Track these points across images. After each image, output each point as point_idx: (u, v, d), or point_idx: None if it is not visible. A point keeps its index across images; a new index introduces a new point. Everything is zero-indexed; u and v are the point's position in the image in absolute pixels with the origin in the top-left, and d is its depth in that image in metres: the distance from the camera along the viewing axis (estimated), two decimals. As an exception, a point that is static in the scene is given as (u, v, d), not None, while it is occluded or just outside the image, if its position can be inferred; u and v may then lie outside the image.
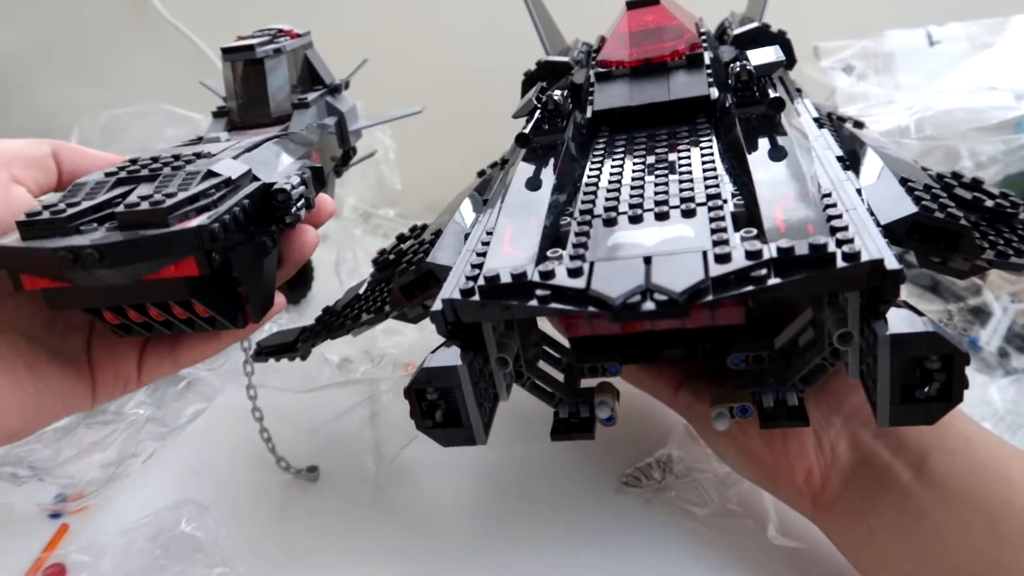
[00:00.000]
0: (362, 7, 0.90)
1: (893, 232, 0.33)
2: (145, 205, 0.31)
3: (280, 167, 0.40)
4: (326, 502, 0.50)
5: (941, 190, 0.36)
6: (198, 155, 0.37)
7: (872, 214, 0.33)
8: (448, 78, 0.89)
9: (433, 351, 0.32)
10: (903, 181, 0.36)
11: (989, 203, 0.38)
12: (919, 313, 0.28)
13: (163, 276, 0.32)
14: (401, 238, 0.49)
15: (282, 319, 0.69)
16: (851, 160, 0.40)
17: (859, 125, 0.49)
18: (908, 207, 0.33)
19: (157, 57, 0.93)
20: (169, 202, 0.31)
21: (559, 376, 0.39)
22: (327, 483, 0.52)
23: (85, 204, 0.32)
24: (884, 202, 0.34)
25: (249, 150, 0.39)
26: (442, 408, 0.32)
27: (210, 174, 0.34)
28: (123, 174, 0.35)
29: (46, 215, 0.31)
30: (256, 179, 0.36)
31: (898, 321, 0.27)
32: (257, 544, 0.47)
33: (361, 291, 0.49)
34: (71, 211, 0.31)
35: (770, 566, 0.41)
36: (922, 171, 0.40)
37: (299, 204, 0.37)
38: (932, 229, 0.34)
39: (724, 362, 0.36)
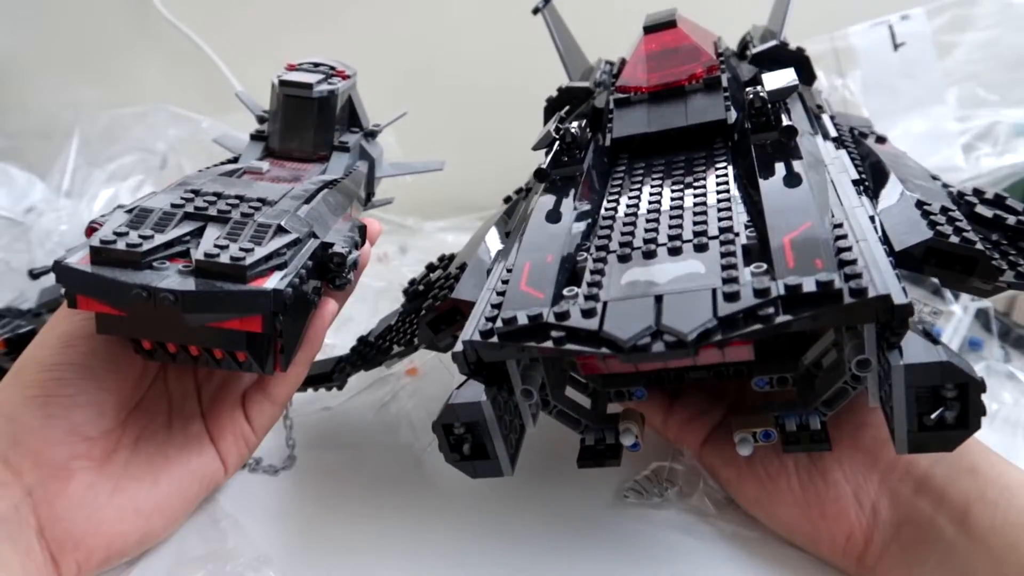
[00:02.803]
0: (367, 11, 0.90)
1: (910, 258, 0.33)
2: (225, 258, 0.31)
3: (334, 223, 0.40)
4: (327, 502, 0.50)
5: (960, 211, 0.35)
6: (263, 201, 0.37)
7: (887, 241, 0.33)
8: (455, 80, 0.89)
9: (459, 386, 0.32)
10: (919, 204, 0.35)
11: (1011, 220, 0.37)
12: (935, 341, 0.28)
13: (226, 326, 0.32)
14: (430, 267, 0.50)
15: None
16: (873, 180, 0.40)
17: (881, 140, 0.49)
18: (922, 233, 0.33)
19: (158, 57, 0.92)
20: (249, 260, 0.31)
21: (586, 401, 0.39)
22: (328, 483, 0.52)
23: (158, 240, 0.32)
24: (899, 227, 0.34)
25: (307, 200, 0.39)
26: (469, 441, 0.33)
27: (280, 230, 0.34)
28: (190, 208, 0.35)
29: (121, 245, 0.30)
30: (315, 235, 0.36)
31: (912, 350, 0.27)
32: (259, 544, 0.47)
33: (393, 322, 0.50)
34: (146, 246, 0.31)
35: (781, 570, 0.41)
36: (942, 188, 0.40)
37: (351, 268, 0.38)
38: (947, 254, 0.33)
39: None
